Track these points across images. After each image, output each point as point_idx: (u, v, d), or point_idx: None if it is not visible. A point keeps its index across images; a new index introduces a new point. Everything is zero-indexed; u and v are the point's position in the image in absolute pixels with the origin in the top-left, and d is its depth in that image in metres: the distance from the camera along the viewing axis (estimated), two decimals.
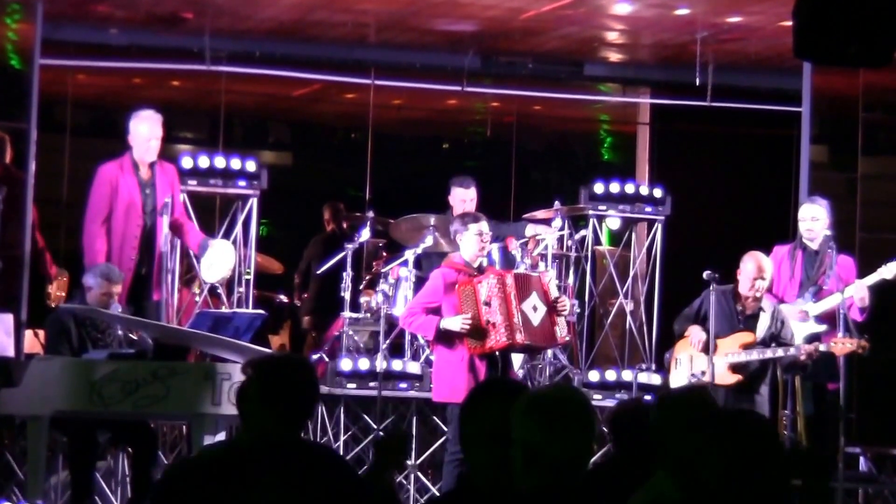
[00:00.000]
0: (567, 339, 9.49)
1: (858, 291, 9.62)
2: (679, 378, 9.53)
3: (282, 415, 4.53)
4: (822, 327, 9.73)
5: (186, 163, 10.51)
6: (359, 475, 4.69)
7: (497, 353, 8.84)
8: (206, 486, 4.40)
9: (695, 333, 9.49)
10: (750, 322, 9.50)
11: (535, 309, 8.92)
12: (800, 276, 9.96)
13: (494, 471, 3.92)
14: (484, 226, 8.97)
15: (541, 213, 11.04)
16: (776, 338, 9.44)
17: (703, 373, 9.40)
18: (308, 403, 4.64)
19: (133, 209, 9.86)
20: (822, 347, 9.33)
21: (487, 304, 8.76)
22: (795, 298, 9.89)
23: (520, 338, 8.83)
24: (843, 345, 9.33)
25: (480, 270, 8.98)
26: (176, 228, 9.93)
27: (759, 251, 9.62)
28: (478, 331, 8.78)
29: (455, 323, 8.76)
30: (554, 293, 9.05)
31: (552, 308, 8.96)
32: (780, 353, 9.38)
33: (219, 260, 9.95)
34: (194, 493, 4.41)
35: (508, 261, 10.20)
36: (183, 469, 4.65)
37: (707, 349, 9.41)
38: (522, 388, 4.10)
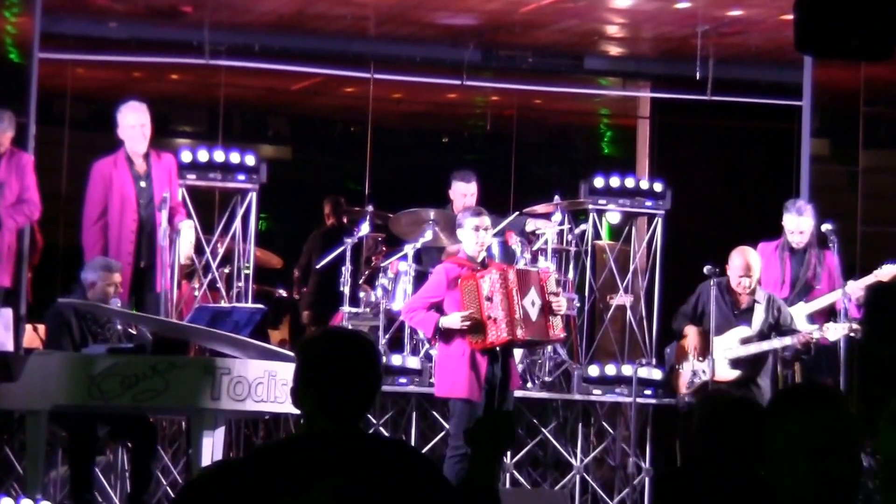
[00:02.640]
0: (562, 336, 9.44)
1: (856, 291, 9.65)
2: (683, 378, 9.57)
3: (328, 404, 3.73)
4: (814, 327, 9.73)
5: (185, 156, 10.49)
6: (439, 473, 3.84)
7: (498, 348, 8.82)
8: (241, 491, 3.65)
9: (692, 336, 9.50)
10: (746, 315, 9.50)
11: (533, 304, 8.90)
12: (790, 279, 9.98)
13: (813, 492, 3.40)
14: (481, 220, 8.92)
15: (540, 208, 11.02)
16: (775, 326, 9.45)
17: (705, 371, 9.41)
18: (361, 389, 3.77)
19: (127, 203, 9.86)
20: (815, 334, 9.36)
21: (489, 299, 8.74)
22: (786, 297, 9.89)
23: (520, 333, 8.80)
24: (834, 329, 9.38)
25: (483, 265, 8.96)
26: (170, 217, 9.98)
27: (748, 246, 9.62)
28: (478, 326, 8.76)
29: (454, 321, 8.74)
30: (552, 289, 9.00)
31: (547, 306, 8.93)
32: (776, 343, 9.39)
33: (184, 239, 9.96)
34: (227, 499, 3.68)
35: (508, 255, 10.18)
36: (215, 473, 3.83)
37: (704, 353, 9.42)
38: (836, 393, 3.57)
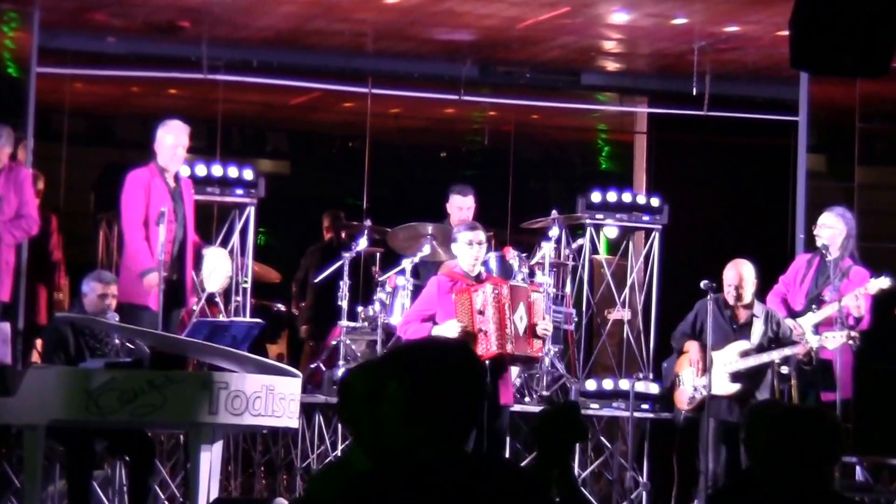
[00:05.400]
0: (539, 354, 9.41)
1: (852, 300, 9.64)
2: (684, 394, 9.58)
3: (440, 428, 3.28)
4: (816, 338, 9.73)
5: (184, 171, 10.50)
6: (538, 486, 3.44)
7: (487, 362, 8.79)
8: None
9: (693, 352, 9.51)
10: (744, 330, 9.52)
11: (521, 319, 8.91)
12: (809, 285, 9.98)
13: None
14: (475, 235, 8.92)
15: (538, 222, 11.05)
16: (775, 340, 9.47)
17: (706, 387, 9.42)
18: (472, 409, 3.37)
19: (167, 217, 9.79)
20: (814, 343, 9.35)
21: (481, 312, 8.74)
22: (802, 306, 9.90)
23: (510, 348, 8.79)
24: (833, 338, 9.37)
25: (478, 279, 8.97)
26: None
27: (744, 259, 9.62)
28: (470, 337, 8.74)
29: (447, 329, 8.73)
30: (539, 312, 8.96)
31: (531, 327, 8.91)
32: (775, 355, 9.40)
33: (216, 268, 9.94)
34: None
35: (506, 270, 10.19)
36: None
37: (706, 368, 9.43)
38: None
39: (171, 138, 9.86)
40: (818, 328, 9.77)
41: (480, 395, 3.37)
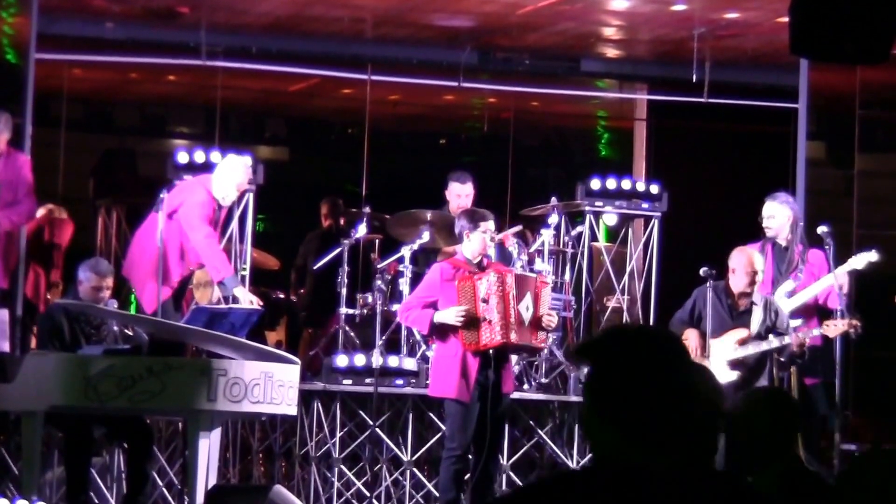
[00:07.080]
0: (542, 345, 9.43)
1: (839, 279, 9.61)
2: None
3: (634, 430, 2.74)
4: (797, 322, 9.72)
5: (182, 157, 10.49)
6: None
7: (491, 351, 8.80)
8: None
9: (692, 339, 9.49)
10: (743, 318, 9.50)
11: (527, 309, 8.90)
12: (771, 273, 9.95)
13: None
14: (491, 224, 8.96)
15: (537, 210, 11.03)
16: (772, 329, 9.45)
17: None
18: (678, 406, 2.76)
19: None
20: (815, 332, 9.33)
21: (485, 301, 8.74)
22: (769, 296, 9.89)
23: (514, 337, 8.79)
24: (834, 326, 9.34)
25: (480, 267, 8.96)
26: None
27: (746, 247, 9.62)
28: (473, 324, 8.74)
29: (449, 316, 8.73)
30: (546, 303, 8.97)
31: (538, 318, 8.91)
32: (774, 343, 9.38)
33: (205, 285, 9.92)
34: None
35: (505, 257, 10.18)
36: None
37: (704, 354, 9.42)
38: None
39: (236, 177, 9.72)
40: (793, 313, 9.76)
41: (686, 391, 2.77)
